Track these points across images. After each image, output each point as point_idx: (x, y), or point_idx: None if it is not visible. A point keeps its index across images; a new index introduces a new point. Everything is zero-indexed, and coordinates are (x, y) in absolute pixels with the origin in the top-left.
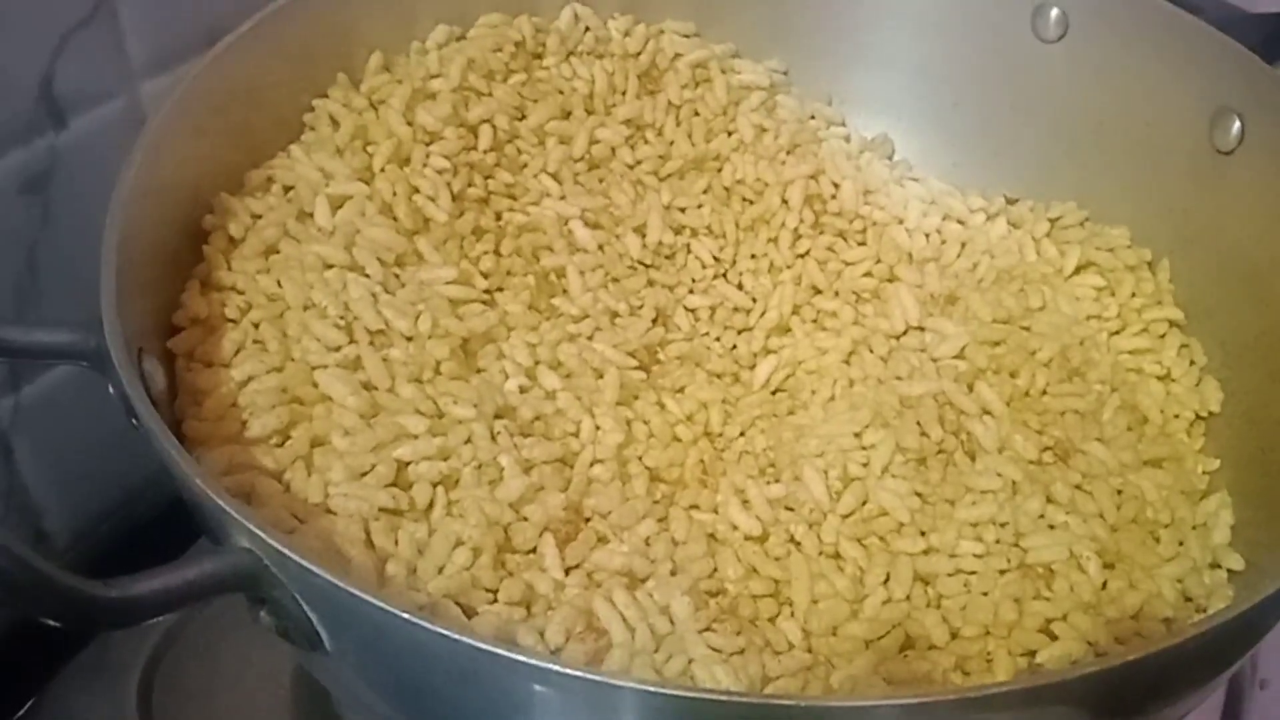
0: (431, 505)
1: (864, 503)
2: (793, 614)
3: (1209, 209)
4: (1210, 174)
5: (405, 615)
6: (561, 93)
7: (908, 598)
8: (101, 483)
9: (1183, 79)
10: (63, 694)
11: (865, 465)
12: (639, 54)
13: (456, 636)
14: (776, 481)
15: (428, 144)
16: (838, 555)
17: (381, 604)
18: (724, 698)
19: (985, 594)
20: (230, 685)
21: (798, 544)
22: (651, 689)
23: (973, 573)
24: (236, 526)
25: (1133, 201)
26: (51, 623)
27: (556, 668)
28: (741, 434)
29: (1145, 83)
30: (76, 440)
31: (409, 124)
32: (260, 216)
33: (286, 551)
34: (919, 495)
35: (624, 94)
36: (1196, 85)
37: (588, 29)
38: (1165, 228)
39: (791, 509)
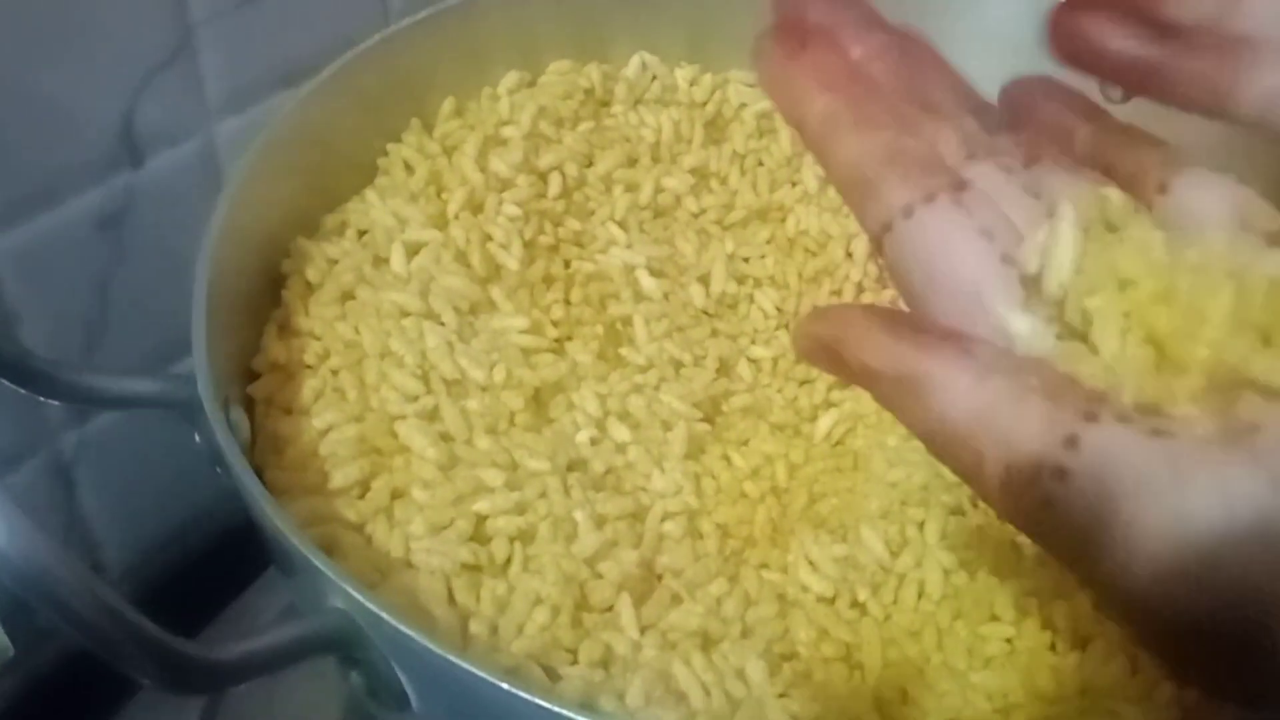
0: (510, 561)
1: (919, 565)
2: (863, 679)
3: None
4: None
5: (502, 684)
6: (629, 140)
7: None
8: (159, 514)
9: None
10: None
11: (921, 527)
12: (705, 103)
13: (549, 706)
14: (842, 541)
15: (500, 190)
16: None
17: (477, 670)
18: None
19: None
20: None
21: (863, 607)
22: None
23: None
24: (331, 586)
25: None
26: (144, 680)
27: None
28: (807, 489)
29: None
30: (137, 473)
31: (482, 170)
32: (337, 261)
33: (382, 614)
34: (965, 567)
35: (690, 142)
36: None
37: (655, 77)
38: None
39: (855, 570)
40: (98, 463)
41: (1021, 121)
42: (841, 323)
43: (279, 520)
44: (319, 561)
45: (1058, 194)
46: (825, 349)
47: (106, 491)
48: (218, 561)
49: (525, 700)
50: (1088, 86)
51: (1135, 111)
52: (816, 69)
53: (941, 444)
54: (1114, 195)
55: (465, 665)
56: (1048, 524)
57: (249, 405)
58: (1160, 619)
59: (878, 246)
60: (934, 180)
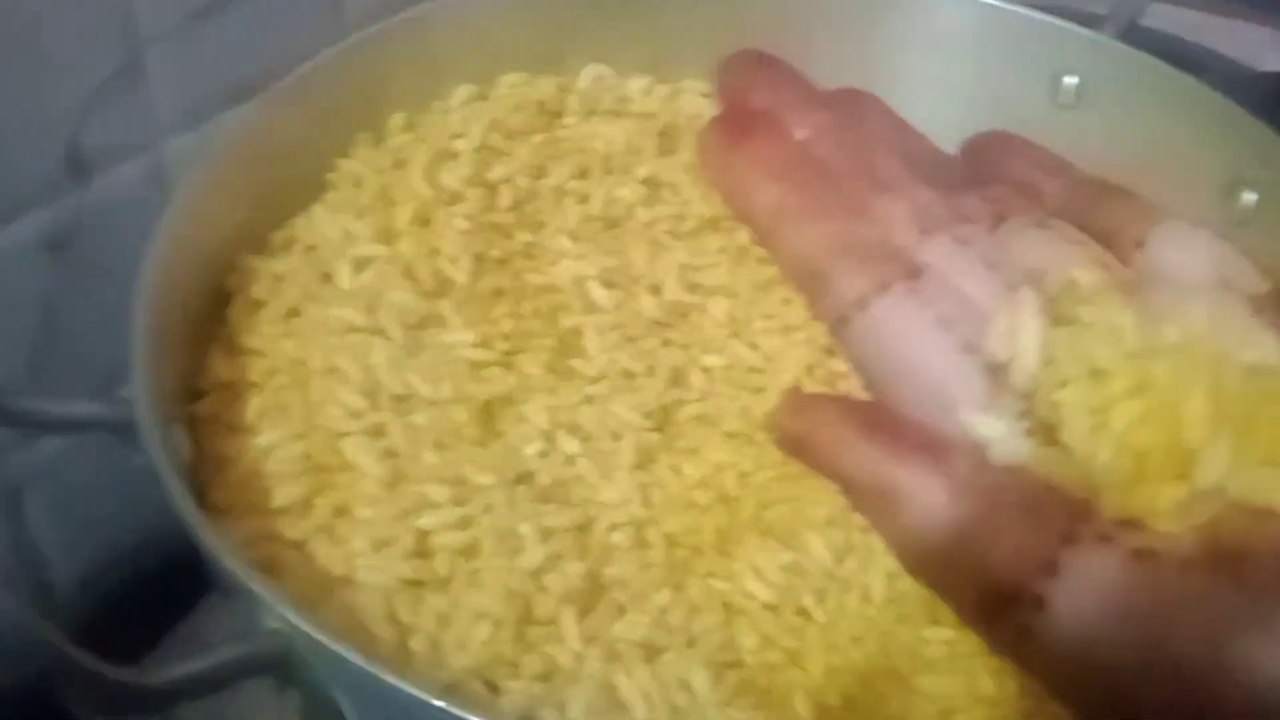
0: (453, 576)
1: (864, 570)
2: (807, 686)
3: None
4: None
5: (439, 703)
6: (581, 151)
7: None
8: (109, 535)
9: (1195, 148)
10: None
11: (866, 533)
12: (658, 113)
13: None
14: (789, 548)
15: (450, 204)
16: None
17: (412, 690)
18: None
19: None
20: None
21: (808, 613)
22: None
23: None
24: (266, 607)
25: None
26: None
27: None
28: (756, 497)
29: (1158, 151)
30: (87, 495)
31: (431, 184)
32: (283, 278)
33: (316, 635)
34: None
35: (642, 153)
36: (1210, 155)
37: (608, 88)
38: None
39: (800, 577)
40: (47, 485)
41: (986, 177)
42: (817, 419)
43: (212, 541)
44: (252, 582)
45: (1027, 259)
46: (800, 444)
47: (55, 513)
48: (169, 581)
49: (460, 718)
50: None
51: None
52: (762, 158)
53: (914, 560)
54: (1082, 277)
55: (400, 685)
56: (1025, 652)
57: (194, 424)
58: None
59: (837, 338)
60: (886, 269)
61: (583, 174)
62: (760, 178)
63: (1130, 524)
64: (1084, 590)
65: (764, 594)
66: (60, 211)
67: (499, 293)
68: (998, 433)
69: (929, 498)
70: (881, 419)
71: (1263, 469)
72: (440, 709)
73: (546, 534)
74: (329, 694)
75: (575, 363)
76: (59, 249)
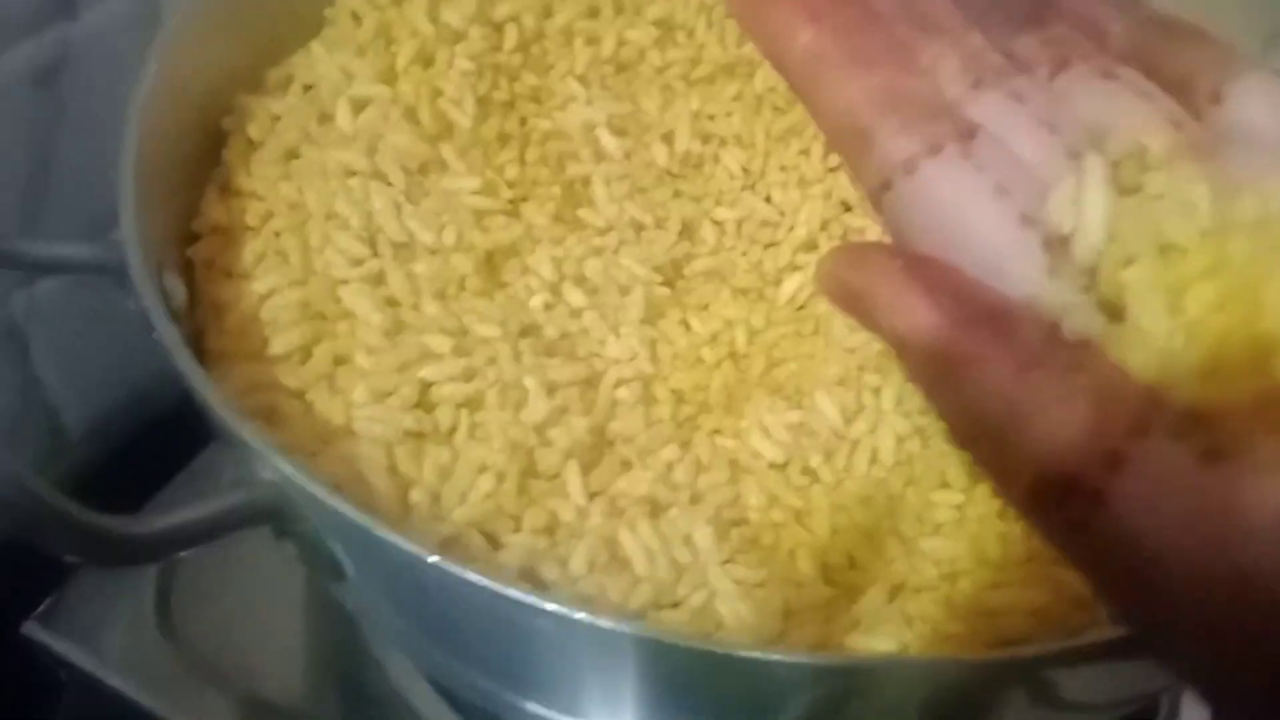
0: (455, 428)
1: (873, 431)
2: (812, 544)
3: None
4: None
5: (430, 559)
6: None
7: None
8: (116, 378)
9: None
10: (81, 592)
11: (877, 394)
12: None
13: (480, 581)
14: (798, 407)
15: (453, 43)
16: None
17: (405, 545)
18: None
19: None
20: (249, 583)
21: (815, 473)
22: (661, 638)
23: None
24: (261, 458)
25: None
26: (71, 559)
27: (578, 615)
28: (766, 355)
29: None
30: (92, 335)
31: (433, 22)
32: (280, 118)
33: (312, 489)
34: (919, 434)
35: None
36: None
37: None
38: None
39: (809, 436)
40: (50, 325)
41: (1046, 13)
42: (875, 273)
43: (204, 389)
44: (246, 432)
45: (1090, 116)
46: (852, 298)
47: (61, 354)
48: (179, 425)
49: (452, 573)
50: None
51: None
52: None
53: (966, 432)
54: (1154, 144)
55: (391, 538)
56: (1074, 546)
57: (189, 268)
58: (1203, 666)
59: (876, 205)
60: (938, 128)
61: (592, 13)
62: (796, 17)
63: (1204, 419)
64: (1147, 489)
65: (771, 452)
66: (47, 44)
67: (504, 138)
68: (1069, 307)
69: (994, 369)
70: (947, 280)
71: None
72: (430, 564)
73: (551, 388)
74: (325, 544)
75: (583, 213)
76: (46, 85)
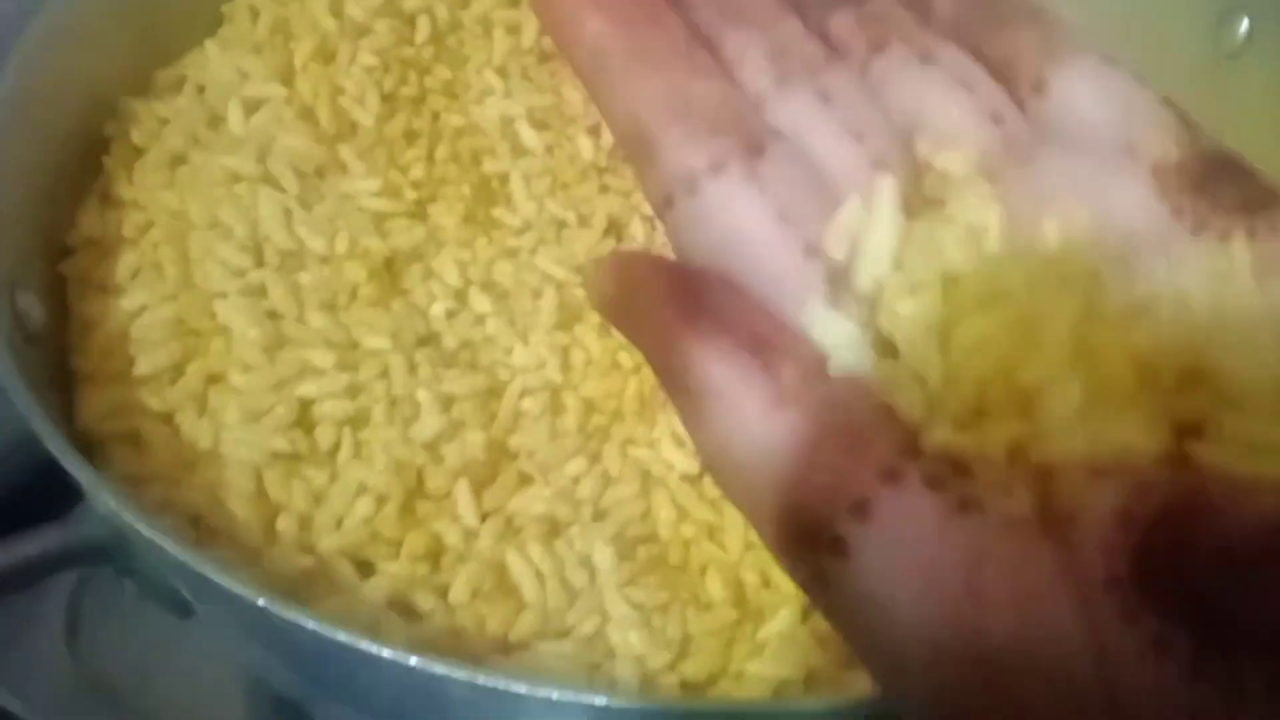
0: (337, 448)
1: None
2: (724, 561)
3: (1211, 117)
4: (1214, 80)
5: (259, 601)
6: None
7: None
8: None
9: None
10: None
11: None
12: None
13: (308, 625)
14: None
15: (356, 38)
16: None
17: (233, 586)
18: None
19: None
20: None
21: None
22: (480, 681)
23: None
24: (90, 491)
25: None
26: None
27: (410, 662)
28: None
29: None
30: None
31: (335, 16)
32: (168, 122)
33: (137, 523)
34: None
35: None
36: None
37: None
38: None
39: None
40: None
41: None
42: (636, 287)
43: (36, 416)
44: (72, 465)
45: (904, 109)
46: (615, 313)
47: None
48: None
49: (281, 616)
50: None
51: None
52: None
53: (719, 471)
54: (956, 161)
55: (218, 579)
56: (818, 598)
57: (60, 285)
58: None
59: (661, 220)
60: (724, 141)
61: (513, 2)
62: (583, 3)
63: (961, 467)
64: (891, 542)
65: (683, 463)
66: None
67: (411, 136)
68: (840, 339)
69: (744, 404)
70: (712, 300)
71: (1116, 414)
72: (258, 607)
73: (447, 401)
74: (166, 582)
75: (497, 212)
76: None
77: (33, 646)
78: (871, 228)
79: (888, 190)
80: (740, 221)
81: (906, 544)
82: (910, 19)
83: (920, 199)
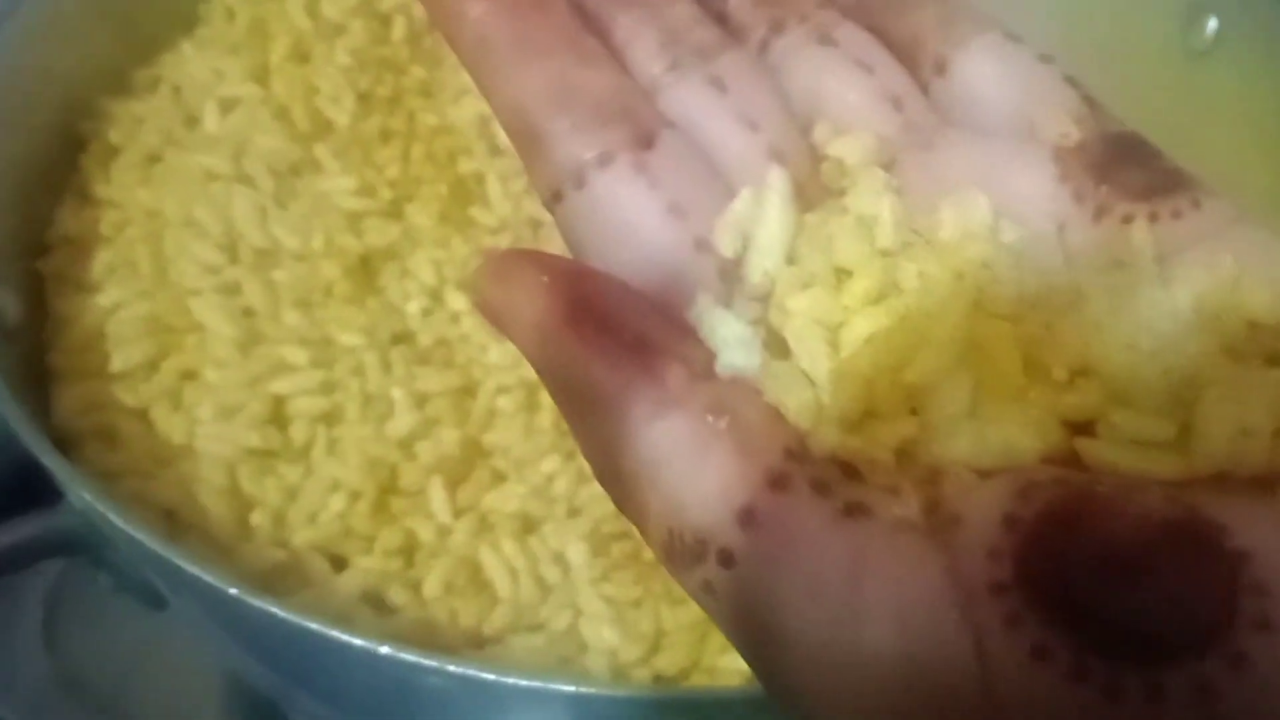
0: (311, 445)
1: None
2: None
3: (1180, 116)
4: (1183, 79)
5: (231, 590)
6: None
7: None
8: None
9: None
10: None
11: None
12: None
13: (280, 615)
14: None
15: (332, 38)
16: None
17: (205, 576)
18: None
19: None
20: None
21: None
22: (451, 669)
23: None
24: (66, 484)
25: None
26: None
27: (380, 650)
28: None
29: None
30: None
31: (311, 16)
32: (144, 121)
33: (112, 516)
34: None
35: None
36: None
37: None
38: None
39: None
40: None
41: None
42: (517, 287)
43: (8, 410)
44: (48, 458)
45: (801, 94)
46: (494, 314)
47: None
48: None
49: (256, 607)
50: None
51: None
52: None
53: (604, 478)
54: (852, 149)
55: (191, 570)
56: (711, 608)
57: (36, 282)
58: None
59: (551, 214)
60: (613, 133)
61: None
62: None
63: (850, 469)
64: (777, 551)
65: None
66: None
67: (387, 135)
68: (729, 338)
69: (626, 409)
70: (599, 299)
71: (1004, 412)
72: (232, 596)
73: (421, 399)
74: (141, 575)
75: (473, 211)
76: None
77: (10, 646)
78: (762, 221)
79: (778, 182)
80: (629, 215)
81: (792, 552)
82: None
83: (818, 188)
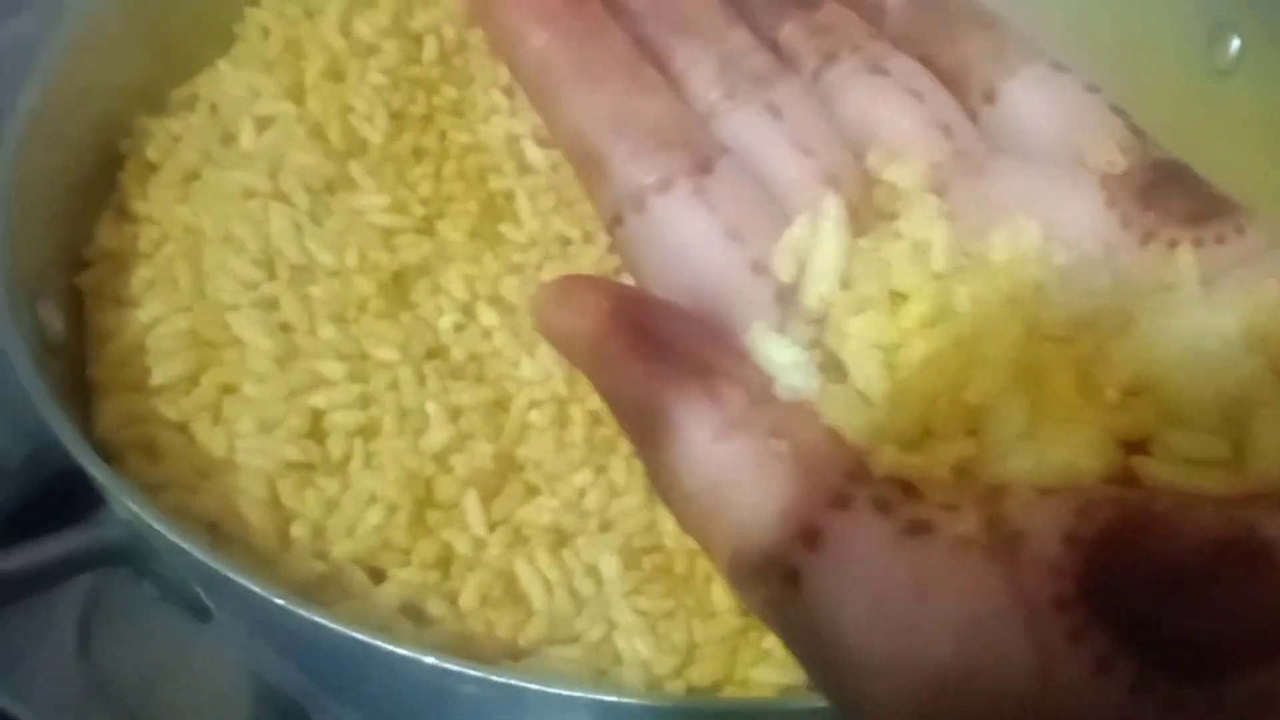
0: (349, 458)
1: None
2: None
3: (1202, 134)
4: (1206, 98)
5: (278, 600)
6: None
7: None
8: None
9: None
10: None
11: None
12: None
13: (332, 625)
14: None
15: (365, 57)
16: None
17: (253, 586)
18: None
19: None
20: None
21: None
22: (495, 679)
23: None
24: (112, 496)
25: None
26: None
27: (428, 661)
28: None
29: None
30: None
31: (345, 35)
32: (181, 139)
33: (159, 527)
34: None
35: None
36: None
37: None
38: None
39: None
40: None
41: None
42: (580, 314)
43: (59, 422)
44: (95, 469)
45: (854, 121)
46: (561, 342)
47: None
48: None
49: (302, 617)
50: None
51: None
52: None
53: (670, 500)
54: (905, 175)
55: (238, 579)
56: (775, 625)
57: (77, 297)
58: None
59: (612, 238)
60: (671, 157)
61: None
62: (526, 18)
63: (910, 490)
64: (842, 569)
65: None
66: None
67: (419, 153)
68: (786, 363)
69: (690, 433)
70: (658, 324)
71: (1061, 431)
72: (280, 606)
73: (455, 412)
74: (185, 586)
75: (504, 228)
76: None
77: (44, 655)
78: (818, 246)
79: (834, 208)
80: (688, 239)
81: (856, 570)
82: (861, 28)
83: (871, 213)
